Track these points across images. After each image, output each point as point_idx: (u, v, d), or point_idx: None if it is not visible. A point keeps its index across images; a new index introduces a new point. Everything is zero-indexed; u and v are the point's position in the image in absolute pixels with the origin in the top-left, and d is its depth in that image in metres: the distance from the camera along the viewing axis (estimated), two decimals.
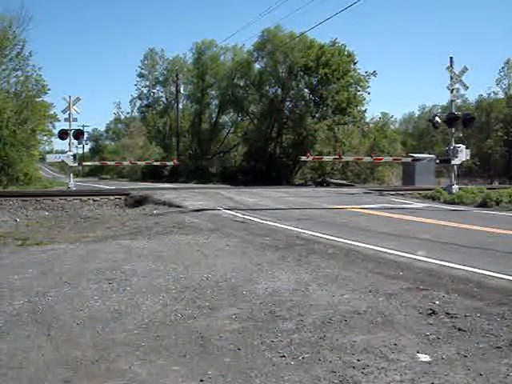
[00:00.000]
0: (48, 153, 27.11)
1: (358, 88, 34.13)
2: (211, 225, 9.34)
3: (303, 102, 34.07)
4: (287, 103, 35.11)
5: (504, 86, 42.84)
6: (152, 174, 37.40)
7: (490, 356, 3.13)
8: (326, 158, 25.15)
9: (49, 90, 25.29)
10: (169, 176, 35.92)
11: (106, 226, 9.87)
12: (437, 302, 4.24)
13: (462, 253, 6.54)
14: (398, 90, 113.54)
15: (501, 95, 43.41)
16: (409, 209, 12.55)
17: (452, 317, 3.87)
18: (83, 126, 50.68)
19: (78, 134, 19.10)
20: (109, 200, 14.37)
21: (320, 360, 3.11)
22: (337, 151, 30.88)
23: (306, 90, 34.33)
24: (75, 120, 18.56)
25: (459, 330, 3.60)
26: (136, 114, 54.97)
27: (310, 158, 21.46)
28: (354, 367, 2.99)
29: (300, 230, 8.53)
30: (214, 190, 18.23)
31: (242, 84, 37.14)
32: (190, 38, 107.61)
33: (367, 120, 36.73)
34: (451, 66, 15.85)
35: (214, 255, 6.45)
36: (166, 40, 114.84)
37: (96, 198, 14.40)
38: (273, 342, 3.42)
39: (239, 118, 40.15)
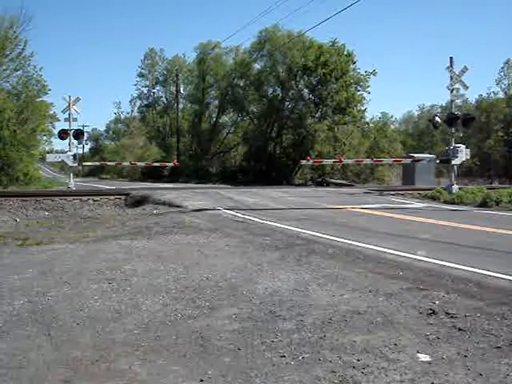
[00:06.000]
0: (48, 153, 27.03)
1: (358, 88, 34.13)
2: (211, 225, 9.34)
3: (303, 102, 34.07)
4: (287, 103, 35.13)
5: (504, 86, 43.05)
6: (152, 173, 37.36)
7: (490, 356, 3.13)
8: (326, 162, 25.09)
9: (49, 90, 25.35)
10: (169, 176, 35.91)
11: (105, 225, 9.87)
12: (437, 302, 4.23)
13: (462, 253, 6.54)
14: (397, 90, 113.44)
15: (501, 95, 43.58)
16: (409, 209, 12.55)
17: (452, 317, 3.87)
18: (83, 126, 50.72)
19: (78, 134, 19.09)
20: (109, 200, 14.38)
21: (320, 360, 3.11)
22: (337, 151, 30.97)
23: (305, 90, 34.35)
24: (75, 120, 18.59)
25: (459, 329, 3.60)
26: (136, 113, 55.21)
27: (311, 162, 21.42)
28: (354, 367, 2.99)
29: (300, 230, 8.53)
30: (214, 190, 18.22)
31: (241, 84, 37.16)
32: (190, 38, 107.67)
33: (367, 120, 36.79)
34: (451, 65, 15.83)
35: (213, 255, 6.45)
36: (166, 40, 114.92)
37: (96, 197, 14.40)
38: (273, 341, 3.42)
39: (239, 118, 40.14)
